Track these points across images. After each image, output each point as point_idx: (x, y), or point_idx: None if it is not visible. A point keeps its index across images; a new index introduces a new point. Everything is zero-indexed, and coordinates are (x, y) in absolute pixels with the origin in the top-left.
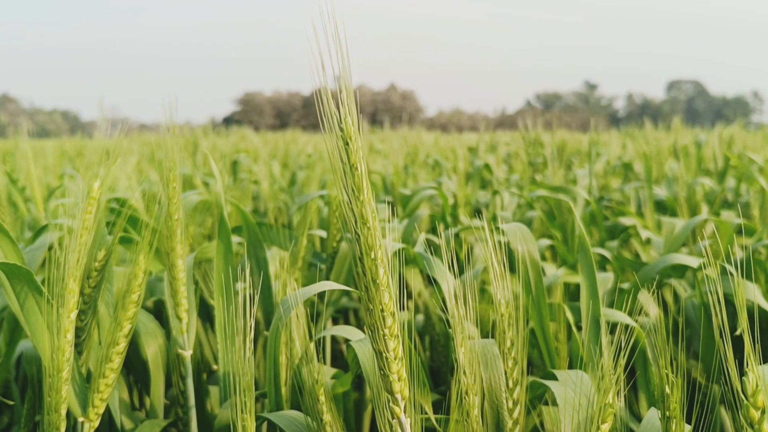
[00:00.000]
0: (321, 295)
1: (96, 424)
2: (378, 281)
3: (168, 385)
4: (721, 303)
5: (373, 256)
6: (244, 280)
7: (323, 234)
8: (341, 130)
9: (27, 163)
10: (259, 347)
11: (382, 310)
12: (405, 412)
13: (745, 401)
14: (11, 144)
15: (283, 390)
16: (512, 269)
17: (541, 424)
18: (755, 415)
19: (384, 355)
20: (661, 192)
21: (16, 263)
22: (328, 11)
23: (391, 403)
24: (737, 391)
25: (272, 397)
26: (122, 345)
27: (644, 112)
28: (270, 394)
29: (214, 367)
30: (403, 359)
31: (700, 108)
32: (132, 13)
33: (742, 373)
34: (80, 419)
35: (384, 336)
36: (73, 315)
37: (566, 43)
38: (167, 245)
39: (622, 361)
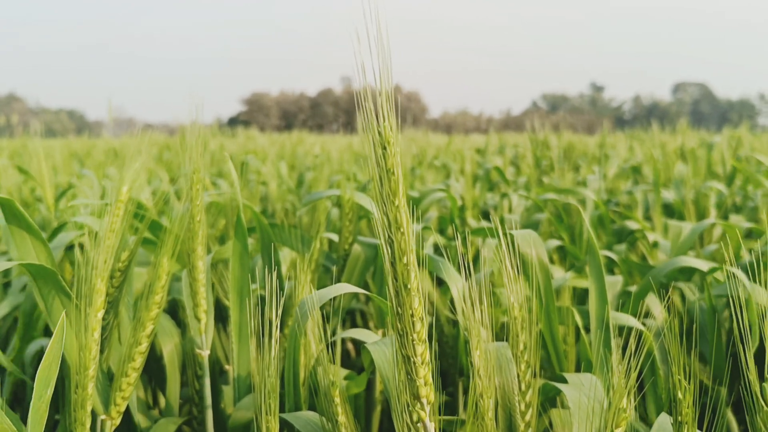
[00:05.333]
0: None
1: (117, 422)
2: (409, 286)
3: (181, 383)
4: (743, 307)
5: (405, 261)
6: (260, 281)
7: (333, 237)
8: (379, 134)
9: (38, 162)
10: (275, 349)
11: (412, 315)
12: (430, 416)
13: (765, 407)
14: (19, 144)
15: (302, 391)
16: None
17: (550, 424)
18: None
19: (412, 359)
20: (669, 195)
21: (43, 264)
22: (371, 13)
23: (417, 408)
24: (756, 395)
25: (291, 398)
26: (144, 345)
27: (650, 115)
28: (289, 394)
29: (226, 367)
30: (430, 364)
31: (706, 110)
32: (137, 13)
33: (762, 377)
34: (102, 417)
35: (413, 341)
36: (100, 314)
37: (572, 44)
38: (188, 246)
39: (635, 366)
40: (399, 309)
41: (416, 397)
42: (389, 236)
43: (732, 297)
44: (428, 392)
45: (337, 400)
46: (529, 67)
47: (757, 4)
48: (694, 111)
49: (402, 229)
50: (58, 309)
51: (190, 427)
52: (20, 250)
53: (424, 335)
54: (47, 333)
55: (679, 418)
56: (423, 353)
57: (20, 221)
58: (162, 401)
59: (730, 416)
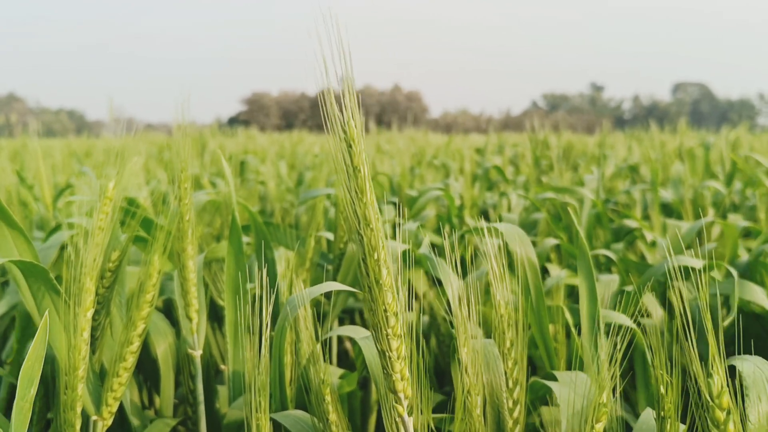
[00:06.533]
0: (328, 296)
1: (109, 422)
2: (381, 282)
3: (176, 384)
4: (706, 303)
5: (376, 257)
6: (254, 281)
7: (330, 236)
8: (344, 132)
9: (36, 162)
10: (265, 348)
11: (385, 311)
12: (408, 411)
13: (710, 402)
14: (19, 143)
15: (288, 390)
16: (514, 271)
17: (541, 423)
18: (720, 416)
19: (387, 354)
20: (667, 195)
21: (33, 261)
22: (330, 13)
23: (393, 402)
24: (703, 392)
25: (277, 397)
26: (136, 344)
27: (650, 115)
28: (275, 393)
29: (222, 366)
30: (406, 359)
31: (705, 110)
32: (138, 13)
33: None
34: (94, 418)
35: (387, 336)
36: (90, 314)
37: (571, 44)
38: (178, 246)
39: (618, 362)
40: (372, 305)
41: (393, 391)
42: (359, 233)
43: (699, 294)
44: (405, 387)
45: (328, 398)
46: (529, 67)
47: (754, 4)
48: (694, 111)
49: (371, 226)
50: (49, 309)
51: (185, 427)
52: (1, 248)
53: (399, 330)
54: None
55: (662, 413)
56: (398, 348)
57: (3, 217)
58: (157, 401)
59: None
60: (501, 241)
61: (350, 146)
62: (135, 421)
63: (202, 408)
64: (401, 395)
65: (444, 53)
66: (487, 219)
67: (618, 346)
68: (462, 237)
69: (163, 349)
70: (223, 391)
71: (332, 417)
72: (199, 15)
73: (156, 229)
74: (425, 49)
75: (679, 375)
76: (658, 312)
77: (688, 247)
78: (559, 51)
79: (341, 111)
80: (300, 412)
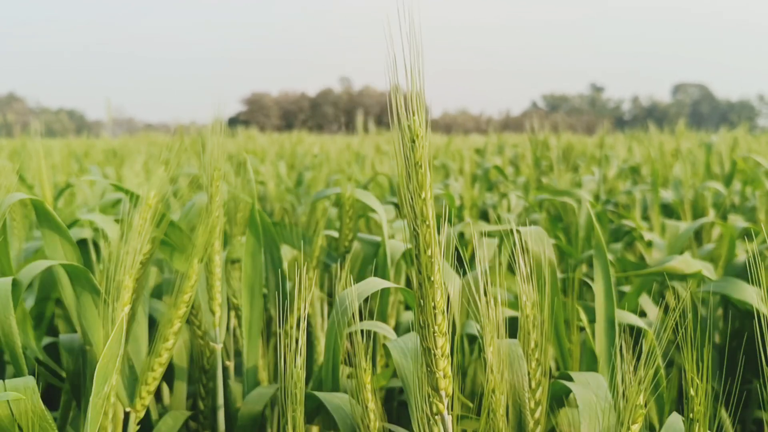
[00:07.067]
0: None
1: (142, 414)
2: (433, 278)
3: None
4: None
5: (429, 253)
6: (264, 279)
7: (333, 234)
8: (408, 128)
9: (37, 162)
10: (271, 346)
11: (434, 307)
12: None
13: None
14: (19, 143)
15: (341, 381)
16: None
17: (556, 424)
18: None
19: (432, 351)
20: (667, 195)
21: (75, 264)
22: (406, 15)
23: (435, 400)
24: None
25: (329, 388)
26: (171, 341)
27: (650, 115)
28: (327, 383)
29: (227, 362)
30: (450, 357)
31: (705, 111)
32: (138, 13)
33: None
34: (127, 409)
35: (434, 333)
36: (128, 309)
37: (570, 45)
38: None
39: (651, 364)
40: (422, 301)
41: (435, 389)
42: (414, 228)
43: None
44: (447, 385)
45: (369, 386)
46: (528, 68)
47: (754, 4)
48: (694, 112)
49: (427, 222)
50: (89, 305)
51: (196, 421)
52: (49, 249)
53: (445, 328)
54: (50, 332)
55: (691, 415)
56: (443, 346)
57: (50, 222)
58: (165, 397)
59: (724, 414)
60: (522, 241)
61: (413, 142)
62: (151, 413)
63: (220, 399)
64: (443, 393)
65: (442, 53)
66: (487, 219)
67: (649, 348)
68: (462, 236)
69: (178, 344)
70: (233, 385)
71: (371, 405)
72: (199, 15)
73: (197, 231)
74: (425, 50)
75: (710, 378)
76: (656, 312)
77: (687, 248)
78: (558, 51)
79: (406, 107)
80: (342, 395)
